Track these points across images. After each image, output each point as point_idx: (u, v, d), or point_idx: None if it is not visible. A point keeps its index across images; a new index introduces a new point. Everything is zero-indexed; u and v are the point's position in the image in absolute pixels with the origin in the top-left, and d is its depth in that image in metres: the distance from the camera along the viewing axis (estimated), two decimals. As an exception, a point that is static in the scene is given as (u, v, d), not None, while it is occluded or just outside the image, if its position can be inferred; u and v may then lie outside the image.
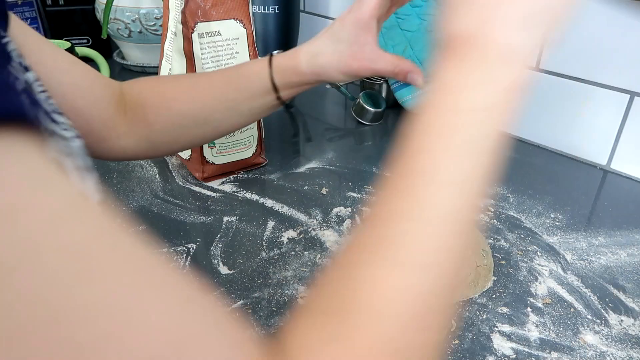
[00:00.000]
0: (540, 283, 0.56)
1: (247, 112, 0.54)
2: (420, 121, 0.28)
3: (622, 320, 0.52)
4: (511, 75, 0.28)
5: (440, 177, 0.26)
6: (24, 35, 0.40)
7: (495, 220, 0.67)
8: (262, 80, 0.51)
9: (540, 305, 0.53)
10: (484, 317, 0.51)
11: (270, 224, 0.65)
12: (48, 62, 0.42)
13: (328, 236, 0.63)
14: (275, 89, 0.51)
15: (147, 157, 0.54)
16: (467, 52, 0.28)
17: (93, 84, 0.47)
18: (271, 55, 0.52)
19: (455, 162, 0.26)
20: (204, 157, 0.71)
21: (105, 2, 1.01)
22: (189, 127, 0.51)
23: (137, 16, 1.07)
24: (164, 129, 0.50)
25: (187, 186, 0.73)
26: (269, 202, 0.69)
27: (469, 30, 0.29)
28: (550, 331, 0.50)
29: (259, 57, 0.56)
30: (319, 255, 0.59)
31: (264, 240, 0.62)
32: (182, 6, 0.66)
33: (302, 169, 0.78)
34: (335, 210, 0.68)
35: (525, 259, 0.60)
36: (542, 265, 0.59)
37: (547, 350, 0.48)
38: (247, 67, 0.54)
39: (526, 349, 0.48)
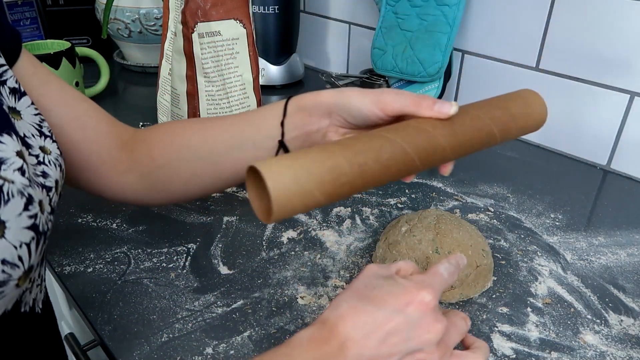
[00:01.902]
0: (540, 283, 0.56)
1: (251, 149, 0.48)
2: None
3: (622, 320, 0.52)
4: None
5: None
6: (34, 68, 0.45)
7: (495, 220, 0.67)
8: (275, 112, 0.46)
9: (540, 305, 0.53)
10: (484, 317, 0.51)
11: (270, 224, 0.65)
12: (54, 94, 0.46)
13: (328, 236, 0.63)
14: (284, 113, 0.46)
15: (145, 201, 0.52)
16: (329, 337, 0.35)
17: (99, 123, 0.49)
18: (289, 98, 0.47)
19: None
20: (204, 157, 0.71)
21: (105, 2, 1.01)
22: (189, 160, 0.49)
23: (137, 16, 1.07)
24: (166, 163, 0.50)
25: (187, 186, 0.73)
26: (269, 202, 0.69)
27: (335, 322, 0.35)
28: (550, 331, 0.50)
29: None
30: (319, 255, 0.59)
31: (264, 240, 0.62)
32: (182, 6, 0.66)
33: (302, 169, 0.78)
34: (335, 210, 0.68)
35: (525, 259, 0.60)
36: (542, 265, 0.59)
37: (547, 350, 0.48)
38: (266, 108, 0.49)
39: (526, 349, 0.48)
